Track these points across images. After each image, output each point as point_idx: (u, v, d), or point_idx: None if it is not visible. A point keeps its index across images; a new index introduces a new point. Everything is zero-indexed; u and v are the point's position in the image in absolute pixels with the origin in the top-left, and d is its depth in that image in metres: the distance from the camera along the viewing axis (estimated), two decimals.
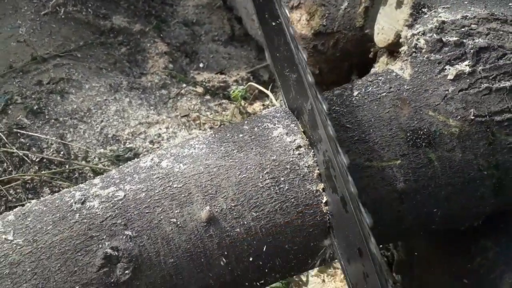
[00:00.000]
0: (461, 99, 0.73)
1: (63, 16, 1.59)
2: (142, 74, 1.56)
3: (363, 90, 0.77)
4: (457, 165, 0.74)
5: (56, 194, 0.71)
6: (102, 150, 1.33)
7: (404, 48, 0.82)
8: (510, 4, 0.84)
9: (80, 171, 1.28)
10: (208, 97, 1.53)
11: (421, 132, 0.73)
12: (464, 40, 0.76)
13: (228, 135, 0.73)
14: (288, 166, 0.68)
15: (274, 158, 0.68)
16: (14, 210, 0.70)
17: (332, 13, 1.14)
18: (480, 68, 0.74)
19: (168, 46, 1.66)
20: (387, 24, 0.87)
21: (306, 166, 0.68)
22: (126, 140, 1.34)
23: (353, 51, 1.15)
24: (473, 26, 0.77)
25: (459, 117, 0.73)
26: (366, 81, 0.80)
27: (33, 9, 1.58)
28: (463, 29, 0.77)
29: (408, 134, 0.73)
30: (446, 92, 0.74)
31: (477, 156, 0.74)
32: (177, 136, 1.35)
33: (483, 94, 0.73)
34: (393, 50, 0.90)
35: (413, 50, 0.79)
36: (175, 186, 0.68)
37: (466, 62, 0.75)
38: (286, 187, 0.67)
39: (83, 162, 1.28)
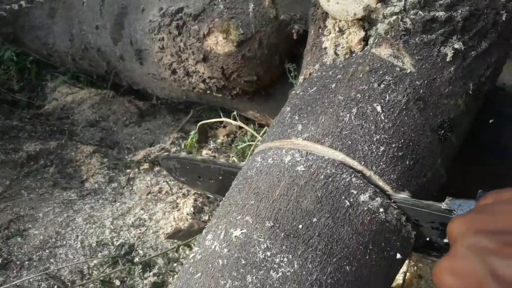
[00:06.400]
0: (461, 76, 0.75)
1: None
2: (82, 182, 1.42)
3: (383, 101, 0.72)
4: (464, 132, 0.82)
5: None
6: (95, 262, 1.22)
7: (383, 27, 0.75)
8: None
9: None
10: (157, 168, 1.44)
11: (446, 125, 0.75)
12: (452, 13, 0.72)
13: (303, 234, 0.63)
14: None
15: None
16: None
17: (244, 20, 1.13)
18: (466, 38, 0.74)
19: (91, 146, 1.52)
20: None
21: (394, 218, 0.68)
22: (112, 239, 1.24)
23: (278, 42, 1.17)
24: None
25: (464, 94, 0.76)
26: (372, 82, 0.74)
27: None
28: (445, 0, 0.72)
29: (439, 131, 0.75)
30: (450, 74, 0.74)
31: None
32: (157, 211, 1.27)
33: (473, 63, 0.76)
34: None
35: (402, 32, 0.73)
36: None
37: (455, 37, 0.73)
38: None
39: (84, 281, 1.17)
